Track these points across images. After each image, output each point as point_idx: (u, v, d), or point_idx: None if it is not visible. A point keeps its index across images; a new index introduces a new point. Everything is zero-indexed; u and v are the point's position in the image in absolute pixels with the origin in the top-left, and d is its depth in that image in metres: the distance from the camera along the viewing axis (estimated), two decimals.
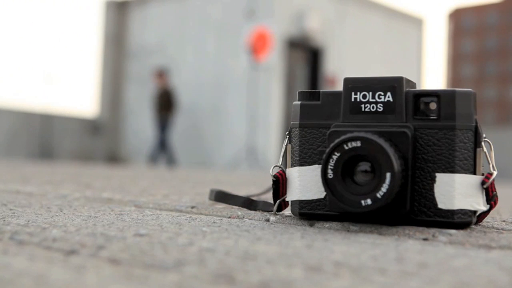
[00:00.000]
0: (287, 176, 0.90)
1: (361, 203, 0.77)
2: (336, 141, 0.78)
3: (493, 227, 0.87)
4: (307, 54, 9.08)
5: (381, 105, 0.82)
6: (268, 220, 0.91)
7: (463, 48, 50.69)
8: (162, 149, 7.64)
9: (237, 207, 1.06)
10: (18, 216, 0.86)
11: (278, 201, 0.92)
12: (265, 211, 1.00)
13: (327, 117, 0.86)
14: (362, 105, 0.83)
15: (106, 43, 9.84)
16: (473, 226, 0.86)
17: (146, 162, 7.92)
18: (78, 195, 1.32)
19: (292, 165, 0.89)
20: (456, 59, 50.96)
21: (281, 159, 0.91)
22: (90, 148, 9.42)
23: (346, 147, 0.78)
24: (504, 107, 48.13)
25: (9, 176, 2.35)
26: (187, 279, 0.48)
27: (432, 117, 0.81)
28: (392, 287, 0.48)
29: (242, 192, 1.47)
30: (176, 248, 0.62)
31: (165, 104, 7.68)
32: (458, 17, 51.40)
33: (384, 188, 0.75)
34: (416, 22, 10.85)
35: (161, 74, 7.85)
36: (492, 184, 0.82)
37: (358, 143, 0.77)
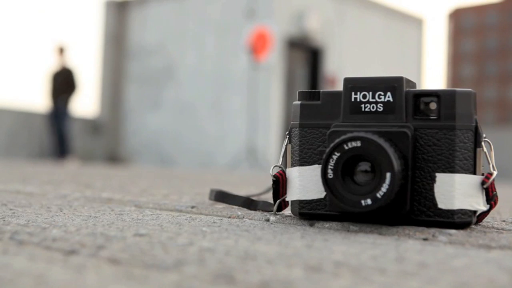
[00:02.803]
0: (287, 176, 0.90)
1: (361, 203, 0.77)
2: (336, 141, 0.78)
3: (493, 227, 0.87)
4: (307, 54, 9.08)
5: (381, 105, 0.82)
6: (268, 220, 0.91)
7: (463, 48, 50.70)
8: (59, 138, 6.59)
9: (237, 207, 1.06)
10: (18, 216, 0.86)
11: (278, 201, 0.92)
12: (265, 211, 1.00)
13: (327, 117, 0.86)
14: (362, 105, 0.83)
15: (106, 43, 9.84)
16: (473, 226, 0.86)
17: (54, 158, 6.80)
18: (78, 195, 1.32)
19: (292, 165, 0.89)
20: (456, 59, 50.97)
21: (281, 159, 0.91)
22: (90, 148, 9.41)
23: (346, 147, 0.78)
24: (504, 107, 48.13)
25: (9, 176, 2.35)
26: (187, 279, 0.48)
27: (432, 117, 0.81)
28: (392, 287, 0.48)
29: (242, 192, 1.47)
30: (176, 248, 0.62)
31: (63, 85, 6.61)
32: (458, 17, 51.40)
33: (384, 188, 0.75)
34: (416, 22, 10.84)
35: (62, 50, 6.74)
36: (492, 184, 0.82)
37: (358, 143, 0.77)
